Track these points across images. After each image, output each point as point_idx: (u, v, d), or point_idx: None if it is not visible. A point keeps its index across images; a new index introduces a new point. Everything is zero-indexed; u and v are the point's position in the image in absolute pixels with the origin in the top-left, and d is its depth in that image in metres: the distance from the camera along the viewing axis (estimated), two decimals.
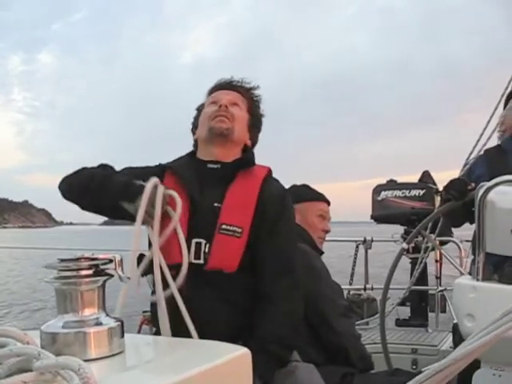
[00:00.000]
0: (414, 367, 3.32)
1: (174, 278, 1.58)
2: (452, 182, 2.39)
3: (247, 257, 1.69)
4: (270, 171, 1.85)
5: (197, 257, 1.67)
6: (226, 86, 1.93)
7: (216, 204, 1.72)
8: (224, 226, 1.68)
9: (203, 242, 1.68)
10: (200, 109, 1.94)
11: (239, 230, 1.69)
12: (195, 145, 1.93)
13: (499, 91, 2.73)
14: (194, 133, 1.95)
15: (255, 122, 1.94)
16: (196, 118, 1.94)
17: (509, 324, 0.70)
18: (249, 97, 1.93)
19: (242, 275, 1.68)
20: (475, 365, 1.78)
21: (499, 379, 1.70)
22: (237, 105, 1.87)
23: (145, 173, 1.73)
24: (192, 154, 1.92)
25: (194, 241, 1.68)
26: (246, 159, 1.85)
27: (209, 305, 1.64)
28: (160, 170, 1.81)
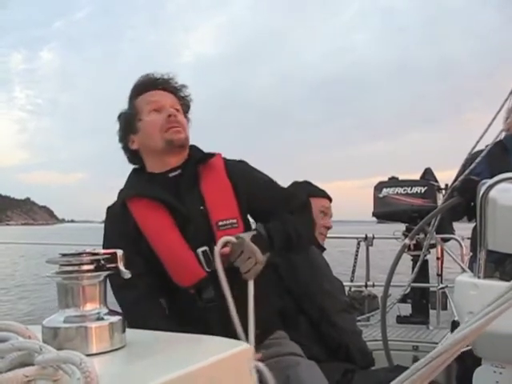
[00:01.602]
0: None
1: (200, 293, 1.64)
2: (466, 183, 2.36)
3: None
4: (221, 156, 1.85)
5: (209, 265, 1.65)
6: (159, 84, 1.83)
7: (201, 207, 1.70)
8: (221, 223, 1.68)
9: (208, 249, 1.66)
10: (127, 116, 1.82)
11: (235, 221, 1.70)
12: (134, 157, 1.84)
13: (499, 92, 2.73)
14: (126, 143, 1.83)
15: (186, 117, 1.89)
16: (126, 128, 1.82)
17: (498, 309, 0.70)
18: (182, 97, 1.87)
19: None
20: (476, 362, 1.78)
21: (500, 376, 1.70)
22: (178, 110, 1.82)
23: (121, 234, 1.68)
24: (140, 171, 1.83)
25: (199, 251, 1.66)
26: (200, 156, 1.81)
27: (240, 303, 1.57)
28: (121, 208, 1.73)
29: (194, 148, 1.85)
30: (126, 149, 1.84)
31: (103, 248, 1.68)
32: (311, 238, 1.88)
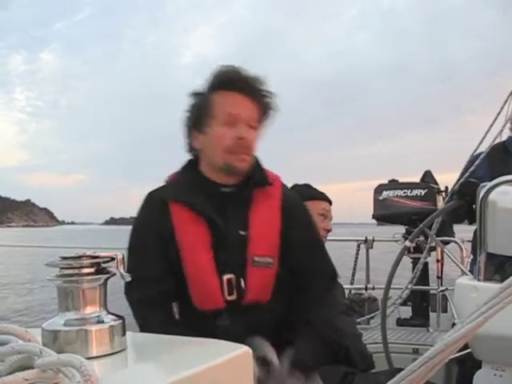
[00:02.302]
0: None
1: (215, 318, 1.58)
2: (465, 186, 2.36)
3: (278, 281, 1.66)
4: (282, 183, 1.75)
5: (230, 293, 1.60)
6: (243, 89, 1.62)
7: (242, 232, 1.61)
8: (256, 259, 1.61)
9: (234, 277, 1.60)
10: (199, 108, 1.65)
11: (271, 261, 1.62)
12: (193, 150, 1.71)
13: (500, 93, 2.74)
14: (190, 134, 1.69)
15: (262, 133, 1.71)
16: (194, 121, 1.67)
17: (492, 310, 0.70)
18: (265, 109, 1.67)
19: (274, 299, 1.66)
20: (476, 365, 1.78)
21: (500, 379, 1.70)
22: (254, 127, 1.64)
23: (155, 228, 1.61)
24: (193, 168, 1.71)
25: (225, 277, 1.60)
26: (260, 180, 1.68)
27: (245, 336, 1.55)
28: (161, 206, 1.63)
29: (256, 164, 1.69)
30: (188, 145, 1.71)
31: (131, 239, 1.67)
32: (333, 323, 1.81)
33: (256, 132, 1.65)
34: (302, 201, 1.83)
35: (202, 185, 1.66)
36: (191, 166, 1.72)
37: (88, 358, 0.68)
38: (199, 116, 1.65)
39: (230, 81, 1.63)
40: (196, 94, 1.68)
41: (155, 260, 1.61)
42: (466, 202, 2.24)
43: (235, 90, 1.62)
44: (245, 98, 1.62)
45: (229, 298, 1.60)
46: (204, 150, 1.66)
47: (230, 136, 1.59)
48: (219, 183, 1.66)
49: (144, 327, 1.58)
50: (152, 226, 1.63)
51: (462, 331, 0.71)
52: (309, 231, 1.76)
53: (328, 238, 2.61)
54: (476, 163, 2.59)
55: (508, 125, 2.86)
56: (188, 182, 1.67)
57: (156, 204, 1.66)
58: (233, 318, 1.59)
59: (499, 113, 2.62)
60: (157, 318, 1.58)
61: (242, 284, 1.61)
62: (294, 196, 1.78)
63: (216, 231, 1.60)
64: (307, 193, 2.54)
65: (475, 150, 2.69)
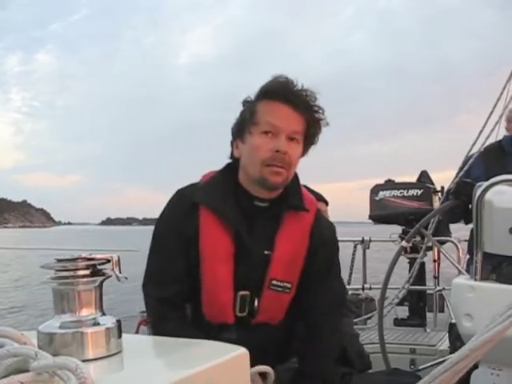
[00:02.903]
0: (412, 367, 3.32)
1: (221, 330, 1.58)
2: (460, 185, 2.36)
3: (292, 305, 1.66)
4: (316, 209, 1.71)
5: (242, 310, 1.59)
6: (289, 100, 1.55)
7: (266, 252, 1.59)
8: (274, 282, 1.59)
9: (249, 294, 1.59)
10: (245, 116, 1.59)
11: (289, 286, 1.61)
12: (234, 160, 1.66)
13: (496, 93, 2.74)
14: (233, 142, 1.64)
15: (308, 148, 1.64)
16: (238, 130, 1.62)
17: (509, 320, 0.69)
18: (313, 123, 1.60)
19: (285, 320, 1.67)
20: (473, 364, 1.78)
21: (497, 379, 1.70)
22: (296, 140, 1.56)
23: (179, 229, 1.58)
24: (231, 175, 1.65)
25: (239, 294, 1.58)
26: (296, 203, 1.63)
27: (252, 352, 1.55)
28: (190, 208, 1.59)
29: (294, 185, 1.64)
30: (231, 144, 1.67)
31: (155, 235, 1.65)
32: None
33: (298, 146, 1.58)
34: (333, 230, 1.77)
35: (235, 194, 1.61)
36: (229, 171, 1.66)
37: (84, 361, 0.67)
38: (243, 124, 1.60)
39: (277, 90, 1.57)
40: (245, 102, 1.64)
41: (176, 261, 1.59)
42: (461, 202, 2.24)
43: (280, 101, 1.55)
44: (289, 109, 1.55)
45: (239, 314, 1.59)
46: (242, 159, 1.61)
47: (267, 147, 1.53)
48: (254, 196, 1.61)
49: (158, 326, 1.59)
50: (177, 227, 1.60)
51: (489, 334, 0.70)
52: (332, 263, 1.75)
53: None
54: (470, 162, 2.60)
55: (503, 124, 2.87)
56: (222, 187, 1.62)
57: (185, 204, 1.61)
58: (240, 333, 1.56)
59: (491, 112, 2.63)
60: (173, 317, 1.57)
61: (256, 303, 1.59)
62: (326, 225, 1.74)
63: (240, 245, 1.57)
64: None
65: (470, 150, 2.70)
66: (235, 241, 1.56)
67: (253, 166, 1.55)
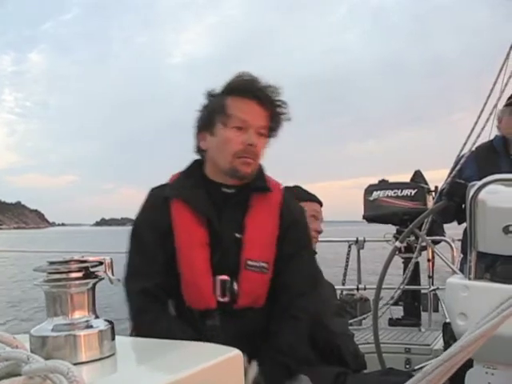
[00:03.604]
0: (408, 366, 3.33)
1: (205, 317, 1.59)
2: (453, 186, 2.37)
3: (271, 286, 1.67)
4: (282, 189, 1.77)
5: (222, 295, 1.61)
6: (258, 97, 1.65)
7: (237, 235, 1.64)
8: (250, 262, 1.62)
9: (228, 279, 1.61)
10: (213, 109, 1.67)
11: (265, 266, 1.64)
12: (200, 154, 1.74)
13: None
14: (199, 134, 1.72)
15: (270, 140, 1.74)
16: (206, 122, 1.69)
17: (500, 317, 0.70)
18: (276, 118, 1.70)
19: (268, 304, 1.67)
20: (468, 363, 1.79)
21: (492, 377, 1.70)
22: (263, 135, 1.67)
23: (154, 223, 1.64)
24: (197, 168, 1.73)
25: (218, 278, 1.61)
26: (260, 184, 1.71)
27: (234, 339, 1.55)
28: (162, 203, 1.66)
29: (259, 171, 1.73)
30: (196, 137, 1.74)
31: (132, 233, 1.69)
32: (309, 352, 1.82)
33: (265, 139, 1.69)
34: (302, 211, 1.83)
35: (204, 184, 1.69)
36: (196, 167, 1.75)
37: (77, 364, 0.67)
38: (212, 117, 1.68)
39: (247, 88, 1.66)
40: (211, 96, 1.71)
41: (154, 255, 1.62)
42: (454, 203, 2.25)
43: (250, 98, 1.65)
44: (258, 105, 1.65)
45: (221, 299, 1.61)
46: (211, 151, 1.69)
47: (239, 141, 1.62)
48: (221, 183, 1.69)
49: (138, 318, 1.60)
50: (152, 222, 1.66)
51: (479, 331, 0.71)
52: (304, 243, 1.78)
53: (319, 238, 2.60)
54: (461, 162, 2.61)
55: (495, 123, 2.88)
56: (190, 181, 1.70)
57: (157, 201, 1.69)
58: (224, 320, 1.59)
59: (481, 111, 2.63)
60: (153, 308, 1.59)
61: (235, 287, 1.61)
62: (295, 205, 1.80)
63: (213, 232, 1.62)
64: (298, 195, 2.53)
65: (461, 150, 2.71)
66: (208, 228, 1.62)
67: (224, 158, 1.64)
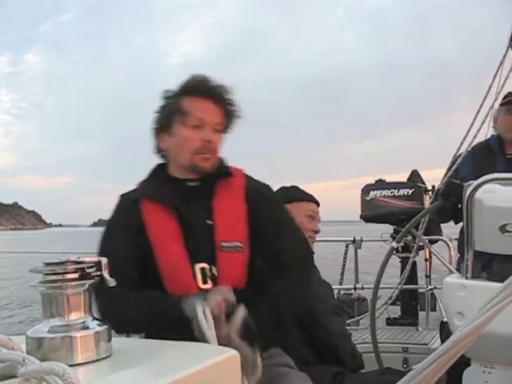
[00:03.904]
0: (405, 366, 3.33)
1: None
2: (449, 186, 2.37)
3: (251, 267, 1.69)
4: (245, 174, 1.82)
5: (204, 282, 1.63)
6: (212, 94, 1.74)
7: (208, 222, 1.68)
8: (224, 244, 1.65)
9: (207, 266, 1.64)
10: (169, 110, 1.74)
11: (240, 245, 1.67)
12: (161, 155, 1.80)
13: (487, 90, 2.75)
14: (158, 135, 1.77)
15: (227, 133, 1.82)
16: (163, 123, 1.75)
17: (491, 312, 0.70)
18: (230, 115, 1.79)
19: (251, 286, 1.68)
20: (465, 362, 1.79)
21: (489, 376, 1.71)
22: (219, 131, 1.76)
23: (125, 226, 1.67)
24: (161, 170, 1.81)
25: (197, 266, 1.63)
26: (224, 172, 1.78)
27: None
28: (132, 205, 1.71)
29: (222, 162, 1.80)
30: (154, 139, 1.80)
31: (102, 235, 1.72)
32: (305, 307, 1.83)
33: (220, 135, 1.77)
34: (268, 187, 1.87)
35: (169, 182, 1.76)
36: (159, 169, 1.82)
37: (73, 365, 0.67)
38: (169, 118, 1.75)
39: (201, 88, 1.75)
40: (167, 97, 1.78)
41: (124, 254, 1.63)
42: (450, 203, 2.26)
43: (205, 97, 1.74)
44: (213, 104, 1.74)
45: (203, 286, 1.62)
46: (171, 150, 1.77)
47: (197, 138, 1.70)
48: (185, 179, 1.76)
49: (106, 306, 1.52)
50: (122, 224, 1.71)
51: (473, 325, 0.71)
52: (276, 215, 1.80)
53: (316, 238, 2.61)
54: (457, 162, 2.61)
55: (491, 123, 2.89)
56: (156, 182, 1.78)
57: (127, 204, 1.75)
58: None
59: (478, 112, 2.64)
60: (120, 293, 1.49)
61: (215, 271, 1.64)
62: (258, 184, 1.84)
63: (184, 223, 1.67)
64: (295, 195, 2.53)
65: (458, 149, 2.72)
66: (179, 220, 1.67)
67: (184, 156, 1.72)
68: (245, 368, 1.40)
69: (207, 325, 1.38)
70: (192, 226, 1.67)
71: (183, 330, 1.41)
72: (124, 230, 1.69)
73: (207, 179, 1.75)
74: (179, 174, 1.77)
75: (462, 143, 2.67)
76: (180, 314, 1.46)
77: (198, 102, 1.74)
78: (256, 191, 1.78)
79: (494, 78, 2.65)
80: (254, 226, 1.71)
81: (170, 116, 1.75)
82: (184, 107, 1.73)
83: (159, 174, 1.81)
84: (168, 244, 1.66)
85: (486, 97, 2.64)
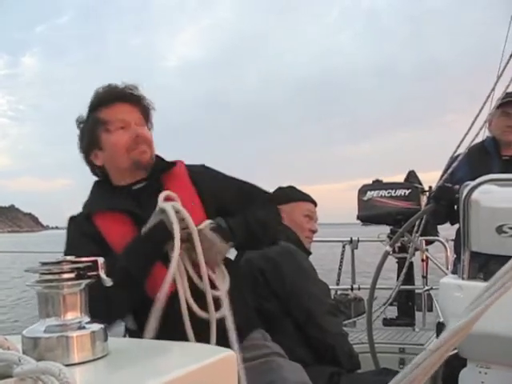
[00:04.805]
0: (402, 366, 3.33)
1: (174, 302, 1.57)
2: (441, 190, 2.39)
3: None
4: (183, 163, 1.86)
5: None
6: (123, 97, 1.80)
7: None
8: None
9: None
10: (91, 129, 1.78)
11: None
12: (98, 171, 1.82)
13: (483, 92, 2.76)
14: (88, 157, 1.81)
15: (150, 128, 1.87)
16: (90, 142, 1.79)
17: (480, 309, 0.70)
18: (145, 109, 1.85)
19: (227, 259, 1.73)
20: (461, 363, 1.79)
21: (485, 377, 1.71)
22: (143, 125, 1.80)
23: (84, 240, 1.66)
24: (103, 184, 1.82)
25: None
26: (163, 165, 1.82)
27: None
28: (84, 221, 1.72)
29: (157, 158, 1.83)
30: (88, 161, 1.83)
31: (65, 254, 1.66)
32: (277, 229, 1.90)
33: (146, 129, 1.81)
34: (202, 165, 1.91)
35: (114, 192, 1.78)
36: (100, 184, 1.84)
37: (69, 365, 0.67)
38: (94, 134, 1.78)
39: (111, 94, 1.80)
40: (81, 122, 1.83)
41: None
42: (441, 206, 2.27)
43: (118, 101, 1.79)
44: (128, 105, 1.80)
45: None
46: (107, 161, 1.79)
47: (126, 137, 1.74)
48: (130, 184, 1.77)
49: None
50: (84, 239, 1.68)
51: (449, 334, 0.71)
52: (215, 176, 1.87)
53: (313, 238, 2.61)
54: (454, 165, 2.63)
55: (486, 125, 2.89)
56: (101, 193, 1.80)
57: (79, 221, 1.74)
58: (193, 294, 1.59)
59: (478, 115, 2.64)
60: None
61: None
62: (195, 167, 1.88)
63: (141, 223, 1.66)
64: (292, 195, 2.54)
65: (455, 152, 2.72)
66: (135, 222, 1.68)
67: (120, 157, 1.74)
68: (210, 253, 1.58)
69: (175, 218, 1.53)
70: None
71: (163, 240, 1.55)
72: (84, 240, 1.67)
73: (151, 178, 1.78)
74: (122, 181, 1.78)
75: (458, 146, 2.67)
76: (154, 229, 1.58)
77: (113, 107, 1.78)
78: (196, 172, 1.83)
79: (496, 84, 2.65)
80: (208, 202, 1.76)
81: (93, 132, 1.78)
82: (103, 117, 1.77)
83: (102, 187, 1.82)
84: None
85: (485, 102, 2.64)
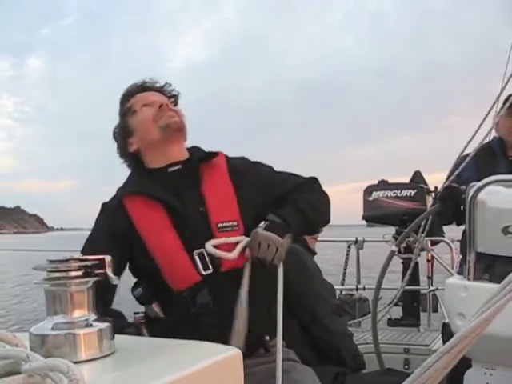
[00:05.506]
0: (406, 367, 3.33)
1: (195, 296, 1.59)
2: (447, 191, 2.38)
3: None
4: (223, 154, 1.84)
5: (205, 267, 1.61)
6: (144, 87, 1.85)
7: (201, 208, 1.67)
8: (221, 225, 1.65)
9: (204, 251, 1.62)
10: (120, 124, 1.83)
11: (235, 223, 1.67)
12: (134, 160, 1.82)
13: (485, 94, 2.76)
14: (125, 150, 1.82)
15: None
16: (122, 135, 1.82)
17: (492, 310, 0.70)
18: (169, 93, 1.88)
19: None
20: (466, 364, 1.79)
21: (490, 378, 1.71)
22: (168, 104, 1.82)
23: (109, 230, 1.66)
24: (139, 169, 1.81)
25: (195, 252, 1.61)
26: (202, 154, 1.80)
27: (231, 303, 1.57)
28: (114, 207, 1.71)
29: (195, 148, 1.83)
30: (126, 155, 1.83)
31: (84, 243, 1.69)
32: (328, 208, 1.85)
33: (172, 105, 1.83)
34: (245, 159, 1.88)
35: (150, 176, 1.75)
36: (136, 172, 1.82)
37: (76, 362, 0.67)
38: (123, 126, 1.81)
39: (134, 87, 1.85)
40: (116, 128, 1.87)
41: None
42: (448, 207, 2.26)
43: (143, 91, 1.83)
44: (150, 92, 1.83)
45: (205, 272, 1.61)
46: (140, 141, 1.78)
47: (152, 109, 1.76)
48: (166, 166, 1.75)
49: None
50: (107, 226, 1.69)
51: (475, 322, 0.71)
52: (256, 169, 1.83)
53: (318, 239, 2.61)
54: (462, 166, 2.62)
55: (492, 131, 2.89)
56: (136, 178, 1.79)
57: (110, 206, 1.73)
58: (214, 293, 1.60)
59: (486, 116, 2.64)
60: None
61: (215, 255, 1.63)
62: (237, 158, 1.86)
63: (175, 213, 1.65)
64: None
65: (462, 152, 2.72)
66: (168, 212, 1.65)
67: (151, 131, 1.74)
68: (272, 254, 1.57)
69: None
70: (184, 216, 1.65)
71: None
72: (106, 235, 1.67)
73: (188, 164, 1.76)
74: (158, 161, 1.76)
75: (466, 146, 2.67)
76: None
77: (139, 96, 1.82)
78: (236, 165, 1.80)
79: (505, 86, 2.64)
80: (245, 198, 1.73)
81: (123, 122, 1.81)
82: (131, 106, 1.81)
83: (137, 173, 1.81)
84: (161, 237, 1.64)
85: (494, 103, 2.64)
